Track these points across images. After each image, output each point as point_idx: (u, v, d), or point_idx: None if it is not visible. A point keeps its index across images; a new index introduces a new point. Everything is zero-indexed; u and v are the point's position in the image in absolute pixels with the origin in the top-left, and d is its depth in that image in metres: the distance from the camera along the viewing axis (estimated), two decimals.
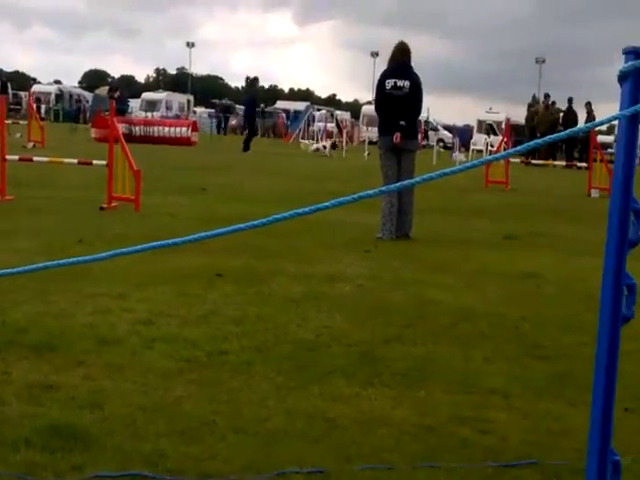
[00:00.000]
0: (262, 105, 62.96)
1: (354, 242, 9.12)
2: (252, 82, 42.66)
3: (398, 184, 2.44)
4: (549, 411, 3.99)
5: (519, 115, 39.78)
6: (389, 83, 9.92)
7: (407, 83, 9.85)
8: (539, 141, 2.27)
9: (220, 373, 4.27)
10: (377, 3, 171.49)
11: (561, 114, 33.64)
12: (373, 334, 5.20)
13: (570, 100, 33.39)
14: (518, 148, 2.32)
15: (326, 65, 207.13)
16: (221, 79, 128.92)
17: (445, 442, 3.53)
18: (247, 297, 6.06)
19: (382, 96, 10.04)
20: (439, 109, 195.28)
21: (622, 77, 2.10)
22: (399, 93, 9.85)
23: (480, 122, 50.31)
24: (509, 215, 12.97)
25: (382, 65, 11.00)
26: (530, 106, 34.50)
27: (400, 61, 10.02)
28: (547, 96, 34.78)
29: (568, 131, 2.30)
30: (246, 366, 4.40)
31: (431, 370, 4.54)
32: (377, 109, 10.33)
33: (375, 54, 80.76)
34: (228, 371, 4.31)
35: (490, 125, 46.40)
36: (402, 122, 9.74)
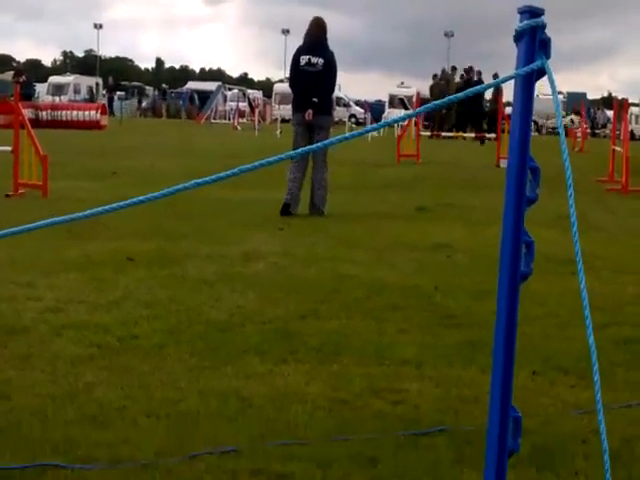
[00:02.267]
0: (164, 86, 62.22)
1: (267, 220, 9.09)
2: None
3: (303, 149, 2.44)
4: (460, 378, 4.05)
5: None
6: (303, 59, 9.92)
7: (321, 60, 9.84)
8: (437, 102, 2.28)
9: (131, 357, 4.21)
10: None
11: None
12: (287, 311, 5.20)
13: (479, 73, 33.85)
14: (416, 111, 2.33)
15: (237, 44, 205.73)
16: (130, 61, 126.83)
17: (359, 414, 3.55)
18: (159, 280, 5.98)
19: (296, 72, 10.05)
20: (351, 85, 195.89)
21: (517, 36, 2.10)
22: (312, 69, 9.84)
23: (392, 97, 50.65)
24: (420, 188, 13.11)
25: (293, 43, 11.00)
26: (435, 76, 34.66)
27: (315, 37, 10.02)
28: (454, 68, 35.20)
29: (464, 92, 2.30)
30: (158, 349, 4.35)
31: (345, 344, 4.56)
32: (291, 85, 10.38)
33: (286, 31, 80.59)
34: (139, 355, 4.25)
35: (402, 99, 46.78)
36: (314, 99, 9.72)
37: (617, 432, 3.42)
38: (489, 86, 2.25)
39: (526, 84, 2.09)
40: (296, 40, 10.68)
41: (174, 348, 4.37)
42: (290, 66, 10.29)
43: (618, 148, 14.96)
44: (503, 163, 17.40)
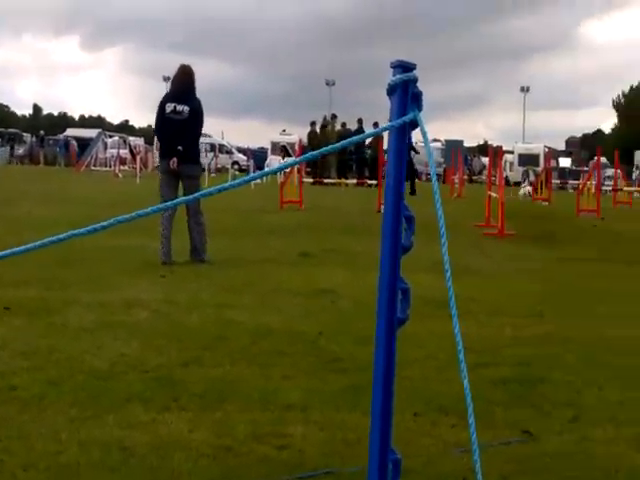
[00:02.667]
0: (41, 132, 60.91)
1: (149, 267, 8.99)
2: None
3: (172, 202, 2.41)
4: (345, 422, 4.08)
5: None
6: (169, 107, 9.84)
7: (187, 108, 9.77)
8: (315, 153, 2.34)
9: (9, 409, 4.09)
10: (165, 29, 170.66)
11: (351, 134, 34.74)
12: (170, 358, 5.14)
13: (360, 120, 34.50)
14: (298, 159, 2.37)
15: (117, 91, 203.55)
16: (6, 107, 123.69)
17: (243, 461, 3.54)
18: (38, 329, 5.83)
19: (161, 120, 9.96)
20: (234, 132, 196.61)
21: (390, 90, 2.18)
22: (178, 117, 9.76)
23: (274, 144, 50.97)
24: (304, 234, 13.21)
25: None
26: (312, 124, 34.98)
27: (181, 85, 9.95)
28: (334, 116, 35.72)
29: (341, 143, 2.37)
30: (38, 400, 4.23)
31: (229, 390, 4.54)
32: (156, 133, 10.34)
33: (167, 79, 80.00)
34: (18, 406, 4.13)
35: (284, 146, 47.13)
36: (179, 147, 9.63)
37: (495, 469, 3.52)
38: (366, 136, 2.34)
39: (399, 135, 2.17)
40: None
41: (55, 398, 4.26)
42: (156, 114, 10.13)
43: (494, 194, 15.47)
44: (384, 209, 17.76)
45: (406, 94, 2.17)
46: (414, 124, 2.19)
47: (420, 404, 4.39)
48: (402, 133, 2.19)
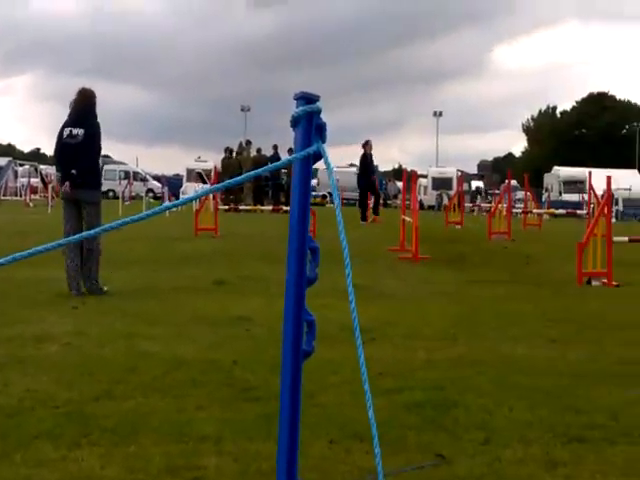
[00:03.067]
0: None
1: (60, 299, 8.84)
2: None
3: (74, 237, 2.33)
4: (259, 452, 4.06)
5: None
6: (66, 132, 9.66)
7: (81, 131, 9.57)
8: (232, 181, 2.33)
9: None
10: (78, 54, 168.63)
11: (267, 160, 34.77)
12: (81, 393, 5.05)
13: (275, 147, 34.56)
14: (214, 187, 2.36)
15: (27, 119, 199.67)
16: None
17: None
18: None
19: (59, 145, 9.75)
20: (149, 160, 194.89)
21: (294, 122, 2.20)
22: (73, 141, 9.57)
23: (189, 171, 50.66)
24: (219, 261, 13.14)
25: None
26: (229, 151, 34.82)
27: (79, 109, 9.74)
28: (249, 142, 35.67)
29: (254, 172, 2.37)
30: None
31: (142, 423, 4.47)
32: (55, 159, 10.13)
33: None
34: None
35: (199, 173, 46.87)
36: (73, 171, 9.46)
37: None
38: (272, 167, 2.33)
39: (303, 167, 2.19)
40: None
41: None
42: (56, 140, 9.89)
43: (408, 218, 15.66)
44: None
45: (310, 126, 2.19)
46: (318, 155, 2.21)
47: (335, 431, 4.40)
48: (306, 164, 2.21)
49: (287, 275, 2.15)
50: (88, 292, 9.38)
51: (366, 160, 24.53)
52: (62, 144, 9.66)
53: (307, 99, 2.19)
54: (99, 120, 9.87)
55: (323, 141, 2.21)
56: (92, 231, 2.21)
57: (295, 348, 2.14)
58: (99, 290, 9.42)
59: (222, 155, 34.22)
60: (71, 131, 9.60)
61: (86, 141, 9.57)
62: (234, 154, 34.59)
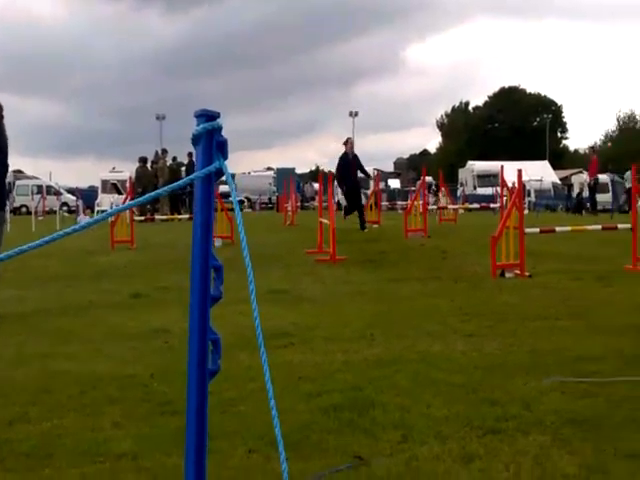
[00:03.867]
0: None
1: None
2: None
3: None
4: (177, 467, 4.00)
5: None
6: None
7: None
8: (153, 194, 2.33)
9: None
10: None
11: (183, 168, 34.56)
12: None
13: (190, 154, 34.29)
14: (131, 203, 2.33)
15: None
16: None
17: None
18: None
19: None
20: (62, 172, 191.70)
21: (195, 140, 2.19)
22: None
23: (104, 182, 50.02)
24: (136, 273, 12.99)
25: None
26: (142, 160, 34.41)
27: None
28: (165, 151, 35.34)
29: (168, 187, 2.35)
30: None
31: (58, 445, 4.40)
32: None
33: None
34: None
35: (114, 184, 46.30)
36: None
37: None
38: (179, 185, 2.32)
39: (205, 185, 2.19)
40: None
41: None
42: None
43: (325, 220, 15.73)
44: (218, 242, 17.73)
45: (210, 143, 2.19)
46: (220, 172, 2.21)
47: (254, 439, 4.40)
48: (208, 182, 2.21)
49: (191, 295, 2.14)
50: None
51: (347, 159, 22.00)
52: None
53: (207, 116, 2.19)
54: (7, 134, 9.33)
55: (225, 157, 2.21)
56: (4, 254, 2.15)
57: (200, 368, 2.14)
58: None
59: (137, 165, 33.81)
60: None
61: None
62: (149, 163, 34.26)
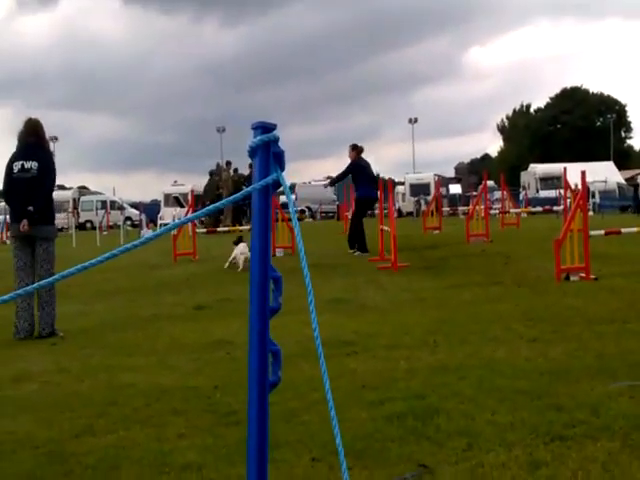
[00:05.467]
0: None
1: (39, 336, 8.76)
2: None
3: (35, 285, 2.24)
4: (242, 477, 4.01)
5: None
6: (16, 166, 9.08)
7: (35, 164, 9.02)
8: (210, 207, 2.34)
9: None
10: (44, 87, 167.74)
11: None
12: (61, 431, 5.00)
13: (251, 165, 34.48)
14: (198, 214, 2.35)
15: (3, 154, 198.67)
16: None
17: None
18: None
19: (9, 181, 9.14)
20: (125, 187, 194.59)
21: (252, 152, 2.19)
22: (26, 175, 9.01)
23: (166, 196, 50.68)
24: (198, 285, 13.11)
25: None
26: (211, 174, 35.04)
27: (28, 140, 9.14)
28: (229, 163, 35.65)
29: (227, 199, 2.36)
30: None
31: (123, 457, 4.44)
32: (5, 195, 9.33)
33: (54, 138, 79.06)
34: None
35: (176, 197, 46.89)
36: (30, 207, 8.92)
37: None
38: (240, 196, 2.33)
39: (263, 196, 2.19)
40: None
41: None
42: (4, 175, 9.28)
43: (386, 227, 15.68)
44: (279, 252, 17.80)
45: (267, 155, 2.19)
46: (277, 183, 2.21)
47: (318, 448, 4.38)
48: (265, 194, 2.20)
49: (250, 307, 2.14)
50: (39, 336, 8.88)
51: (356, 168, 17.90)
52: (13, 179, 9.10)
53: (264, 128, 2.19)
54: (52, 150, 9.38)
55: (282, 169, 2.21)
56: (44, 281, 2.18)
57: (260, 380, 2.13)
58: (54, 335, 8.92)
59: (199, 178, 34.27)
60: (23, 165, 9.03)
61: (40, 174, 9.04)
62: (211, 176, 34.63)
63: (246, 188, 2.20)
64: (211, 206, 2.38)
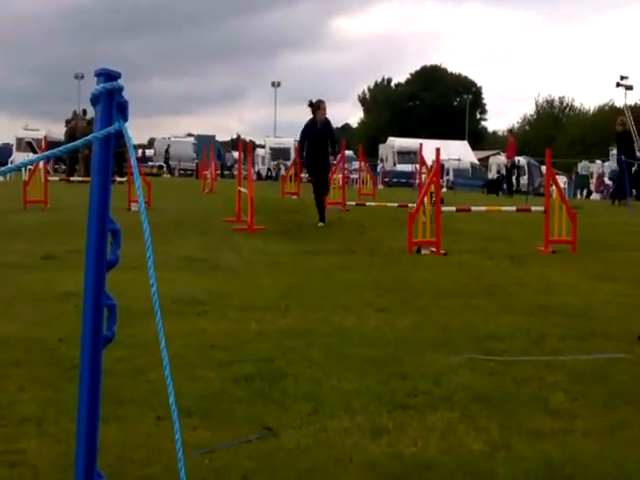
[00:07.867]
0: None
1: None
2: None
3: None
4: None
5: (60, 132, 39.14)
6: None
7: None
8: (50, 153, 2.23)
9: None
10: None
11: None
12: None
13: None
14: (46, 154, 2.25)
15: None
16: None
17: None
18: None
19: None
20: None
21: (94, 100, 2.11)
22: None
23: (19, 140, 48.92)
24: (49, 235, 12.71)
25: None
26: (68, 122, 33.91)
27: None
28: (85, 112, 34.57)
29: (64, 147, 2.27)
30: None
31: None
32: None
33: None
34: None
35: (29, 143, 45.28)
36: None
37: (237, 468, 3.56)
38: (74, 146, 2.23)
39: (104, 146, 2.11)
40: None
41: None
42: None
43: (243, 189, 15.62)
44: (134, 206, 17.46)
45: (110, 104, 2.10)
46: (120, 134, 2.13)
47: (163, 407, 4.33)
48: (107, 144, 2.12)
49: (86, 259, 2.07)
50: None
51: (314, 130, 15.89)
52: None
53: (108, 75, 2.10)
54: None
55: (125, 119, 2.13)
56: None
57: (94, 334, 2.07)
58: None
59: (54, 124, 33.19)
60: None
61: None
62: (64, 123, 33.63)
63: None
64: (48, 152, 2.29)
